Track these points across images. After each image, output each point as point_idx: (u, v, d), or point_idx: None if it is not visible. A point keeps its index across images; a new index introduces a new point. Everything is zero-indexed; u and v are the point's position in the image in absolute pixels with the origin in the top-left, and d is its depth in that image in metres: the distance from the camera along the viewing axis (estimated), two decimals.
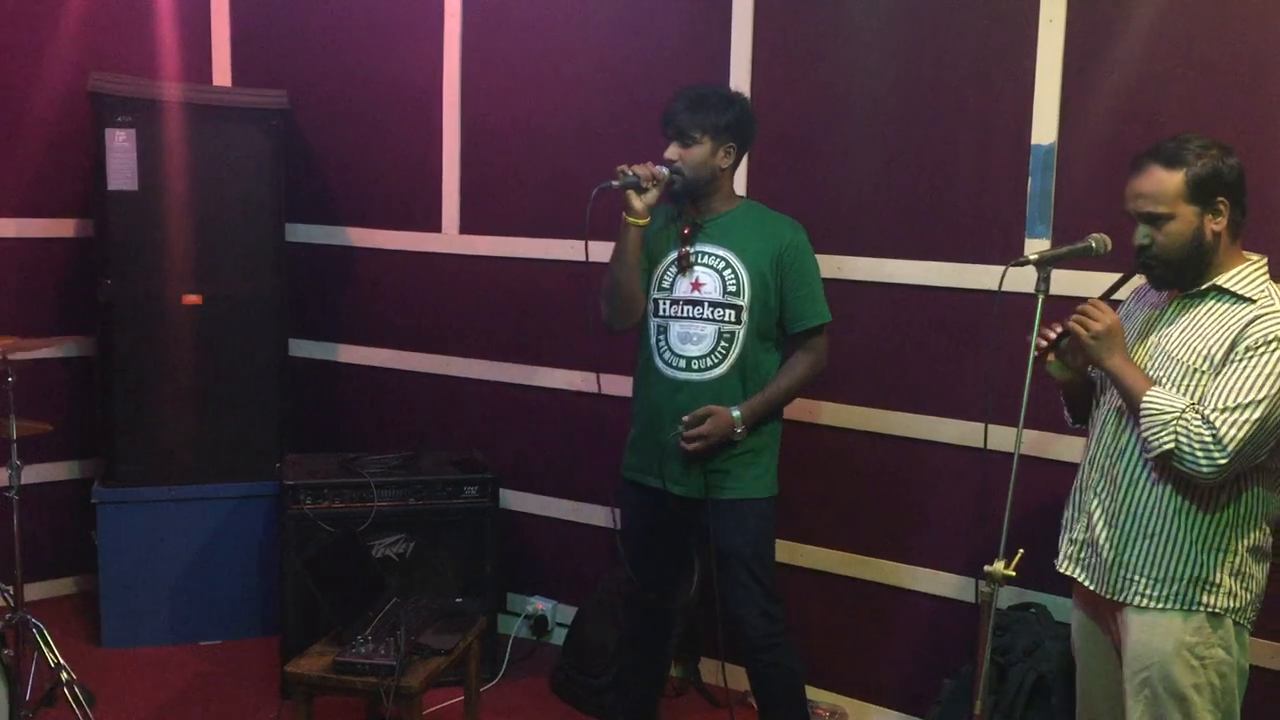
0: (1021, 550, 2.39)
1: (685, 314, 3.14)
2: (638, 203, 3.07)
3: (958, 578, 3.60)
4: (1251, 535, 2.44)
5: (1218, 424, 2.30)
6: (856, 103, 3.69)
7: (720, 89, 3.27)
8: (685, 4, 3.99)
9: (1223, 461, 2.30)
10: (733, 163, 3.16)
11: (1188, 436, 2.32)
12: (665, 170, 3.09)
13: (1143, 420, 2.39)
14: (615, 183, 3.05)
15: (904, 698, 3.74)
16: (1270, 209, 2.98)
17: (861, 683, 3.83)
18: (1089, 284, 2.62)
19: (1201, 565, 2.42)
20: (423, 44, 4.45)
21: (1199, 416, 2.32)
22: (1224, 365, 2.35)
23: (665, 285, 3.18)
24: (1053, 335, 2.49)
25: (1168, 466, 2.39)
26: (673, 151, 3.11)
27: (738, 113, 3.13)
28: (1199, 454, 2.31)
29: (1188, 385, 2.39)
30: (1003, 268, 2.49)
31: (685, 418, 3.08)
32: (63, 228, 4.59)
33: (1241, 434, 2.29)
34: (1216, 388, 2.34)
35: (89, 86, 4.17)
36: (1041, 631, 3.24)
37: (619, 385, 3.77)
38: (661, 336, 3.18)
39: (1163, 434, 2.35)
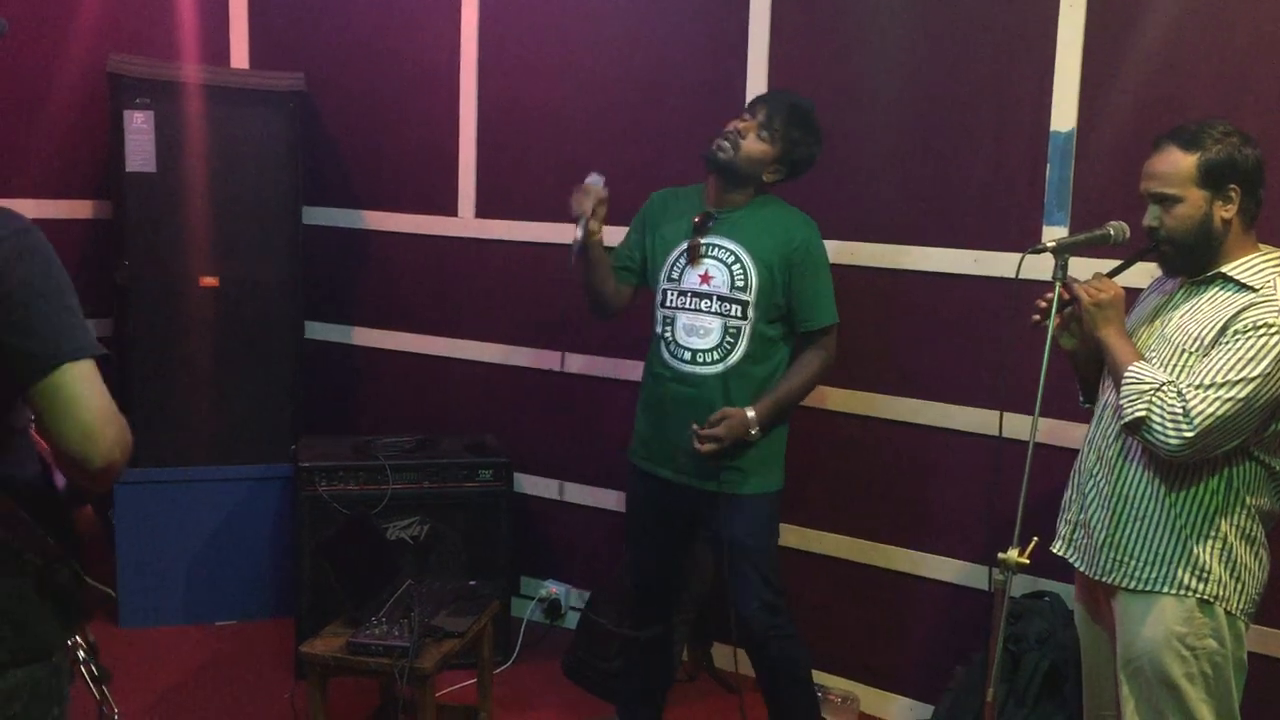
0: (1036, 538, 2.39)
1: (692, 306, 3.13)
2: (594, 225, 3.12)
3: (971, 565, 3.59)
4: (1241, 524, 2.42)
5: (1189, 398, 2.30)
6: (873, 89, 3.67)
7: (815, 123, 3.18)
8: None
9: (1189, 435, 2.29)
10: (775, 177, 3.16)
11: (1160, 408, 2.32)
12: (596, 179, 3.14)
13: (1122, 388, 2.39)
14: (578, 233, 3.10)
15: (916, 684, 3.74)
16: None
17: (873, 669, 3.83)
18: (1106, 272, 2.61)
19: (1190, 550, 2.41)
20: (440, 27, 4.44)
21: (1175, 390, 2.32)
22: (1212, 348, 2.34)
23: (674, 276, 3.17)
24: (1066, 296, 2.48)
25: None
26: (743, 124, 3.11)
27: (808, 148, 3.14)
28: (1168, 425, 2.31)
29: (1175, 366, 2.39)
30: (1020, 255, 2.49)
31: (697, 428, 3.05)
32: (80, 209, 4.60)
33: (1211, 410, 2.28)
34: (1199, 367, 2.34)
35: (107, 68, 4.17)
36: (1055, 620, 3.24)
37: (624, 369, 3.75)
38: (669, 327, 3.17)
39: (1137, 403, 2.35)
